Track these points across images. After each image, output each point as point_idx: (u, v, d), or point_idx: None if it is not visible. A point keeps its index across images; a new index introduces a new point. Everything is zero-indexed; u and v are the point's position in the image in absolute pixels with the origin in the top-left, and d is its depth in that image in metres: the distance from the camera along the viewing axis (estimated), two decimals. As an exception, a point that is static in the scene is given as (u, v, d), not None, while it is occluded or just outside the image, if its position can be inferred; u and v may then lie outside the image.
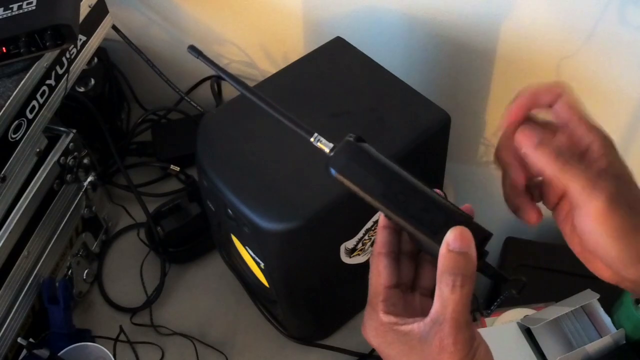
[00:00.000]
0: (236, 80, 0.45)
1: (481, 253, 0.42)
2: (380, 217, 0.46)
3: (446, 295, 0.40)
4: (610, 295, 0.90)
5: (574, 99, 0.47)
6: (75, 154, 0.87)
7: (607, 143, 0.44)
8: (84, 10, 0.86)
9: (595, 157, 0.43)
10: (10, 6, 0.74)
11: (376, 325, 0.44)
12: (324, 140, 0.45)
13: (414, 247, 0.47)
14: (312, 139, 0.45)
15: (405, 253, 0.47)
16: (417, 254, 0.48)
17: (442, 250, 0.41)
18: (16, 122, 0.74)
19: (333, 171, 0.44)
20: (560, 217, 0.48)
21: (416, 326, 0.42)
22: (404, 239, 0.47)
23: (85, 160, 0.89)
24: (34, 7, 0.74)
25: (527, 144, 0.43)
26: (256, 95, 0.45)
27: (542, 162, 0.42)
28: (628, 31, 0.82)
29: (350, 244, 0.74)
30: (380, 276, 0.44)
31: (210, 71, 1.10)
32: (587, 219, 0.42)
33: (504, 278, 0.46)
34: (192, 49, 0.46)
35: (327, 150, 0.44)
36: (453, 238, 0.40)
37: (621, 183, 0.42)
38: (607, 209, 0.40)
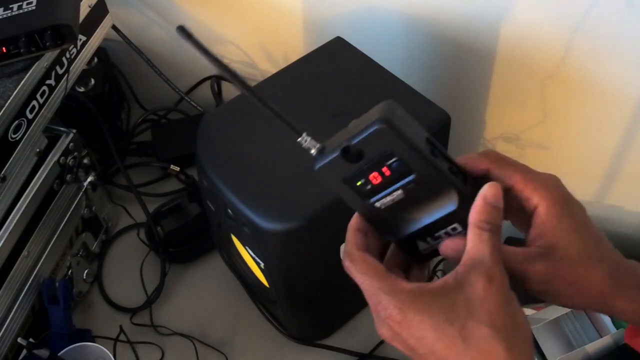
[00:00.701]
0: (227, 69, 0.44)
1: None
2: (353, 219, 0.46)
3: (486, 237, 0.41)
4: (610, 295, 0.90)
5: (505, 163, 0.46)
6: (75, 154, 0.87)
7: (553, 206, 0.43)
8: (84, 10, 0.86)
9: (539, 220, 0.44)
10: (10, 6, 0.74)
11: (402, 297, 0.41)
12: (310, 141, 0.45)
13: (380, 246, 0.48)
14: (299, 139, 0.45)
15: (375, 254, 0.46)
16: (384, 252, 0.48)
17: (480, 202, 0.42)
18: (16, 122, 0.74)
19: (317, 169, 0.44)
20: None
21: (449, 277, 0.41)
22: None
23: (85, 160, 0.89)
24: (34, 7, 0.74)
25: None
26: (248, 90, 0.45)
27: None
28: (628, 30, 0.82)
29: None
30: (375, 266, 0.43)
31: (210, 71, 1.11)
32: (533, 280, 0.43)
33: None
34: (181, 30, 0.41)
35: (313, 151, 0.44)
36: (491, 193, 0.42)
37: (560, 251, 0.43)
38: (545, 276, 0.43)
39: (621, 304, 0.44)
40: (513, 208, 0.45)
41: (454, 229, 0.45)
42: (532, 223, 0.44)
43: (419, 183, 0.43)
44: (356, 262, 0.44)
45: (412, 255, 0.48)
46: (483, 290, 0.40)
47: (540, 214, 0.43)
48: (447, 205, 0.44)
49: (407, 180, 0.43)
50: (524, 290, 0.44)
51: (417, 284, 0.42)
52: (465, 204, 0.44)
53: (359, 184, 0.44)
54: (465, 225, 0.44)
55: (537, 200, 0.44)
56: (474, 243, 0.42)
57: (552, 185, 0.45)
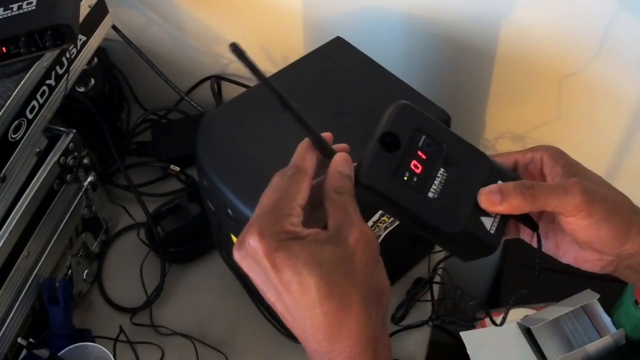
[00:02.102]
0: (276, 90, 0.46)
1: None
2: (307, 140, 0.47)
3: (345, 199, 0.43)
4: (610, 295, 0.90)
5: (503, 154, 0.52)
6: (75, 154, 0.87)
7: (554, 153, 0.49)
8: (84, 10, 0.86)
9: (550, 167, 0.49)
10: (10, 6, 0.74)
11: (278, 233, 0.41)
12: None
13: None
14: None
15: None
16: None
17: (332, 171, 0.44)
18: (16, 122, 0.74)
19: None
20: (544, 242, 0.53)
21: (322, 232, 0.42)
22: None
23: (85, 160, 0.89)
24: (34, 7, 0.74)
25: (492, 205, 0.46)
26: (295, 108, 0.47)
27: (515, 209, 0.46)
28: (628, 29, 0.82)
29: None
30: (299, 195, 0.43)
31: (210, 71, 1.11)
32: (573, 218, 0.46)
33: (530, 220, 0.51)
34: (234, 48, 0.42)
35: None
36: (340, 159, 0.45)
37: (583, 177, 0.48)
38: (586, 198, 0.45)
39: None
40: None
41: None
42: (546, 174, 0.49)
43: (453, 156, 0.47)
44: (291, 177, 0.44)
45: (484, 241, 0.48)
46: (353, 246, 0.41)
47: (547, 161, 0.49)
48: (483, 169, 0.47)
49: (442, 156, 0.46)
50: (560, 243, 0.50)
51: (299, 229, 0.42)
52: (497, 166, 0.48)
53: (405, 178, 0.45)
54: (505, 178, 0.47)
55: (539, 154, 0.49)
56: (335, 208, 0.43)
57: (544, 145, 0.50)
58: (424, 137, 0.47)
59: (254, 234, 0.41)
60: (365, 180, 0.45)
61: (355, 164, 0.46)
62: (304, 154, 0.46)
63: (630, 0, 0.79)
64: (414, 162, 0.46)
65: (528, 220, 0.50)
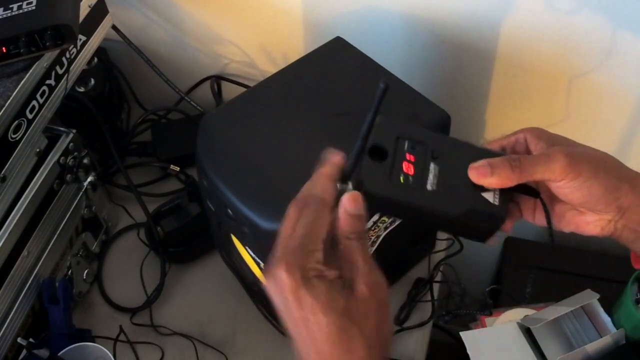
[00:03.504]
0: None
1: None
2: (326, 169, 0.49)
3: (355, 246, 0.45)
4: (610, 295, 0.91)
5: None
6: (75, 154, 0.87)
7: (535, 131, 0.53)
8: (84, 10, 0.86)
9: (535, 144, 0.52)
10: (10, 6, 0.74)
11: (304, 270, 0.44)
12: (347, 186, 0.49)
13: None
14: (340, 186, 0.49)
15: None
16: None
17: (342, 215, 0.46)
18: (16, 122, 0.74)
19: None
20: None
21: (339, 277, 0.45)
22: None
23: (85, 160, 0.89)
24: (33, 7, 0.74)
25: (483, 177, 0.50)
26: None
27: (506, 180, 0.49)
28: (627, 29, 0.82)
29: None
30: (323, 230, 0.45)
31: (210, 71, 1.11)
32: (562, 182, 0.49)
33: (529, 189, 0.53)
34: (385, 86, 0.48)
35: (350, 186, 0.48)
36: (349, 204, 0.46)
37: (567, 144, 0.51)
38: (570, 160, 0.48)
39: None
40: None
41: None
42: (532, 149, 0.53)
43: (439, 151, 0.50)
44: (316, 210, 0.46)
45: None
46: (362, 296, 0.44)
47: (530, 139, 0.53)
48: (470, 154, 0.51)
49: (429, 153, 0.50)
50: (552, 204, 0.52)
51: (322, 267, 0.44)
52: (482, 152, 0.51)
53: (402, 180, 0.49)
54: (492, 156, 0.50)
55: (522, 135, 0.54)
56: (346, 255, 0.45)
57: (525, 127, 0.54)
58: (406, 141, 0.50)
59: (283, 269, 0.44)
60: (368, 189, 0.47)
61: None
62: (326, 186, 0.48)
63: (633, 1, 0.79)
64: (405, 164, 0.49)
65: (527, 189, 0.53)
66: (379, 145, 0.49)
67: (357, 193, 0.47)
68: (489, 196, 0.50)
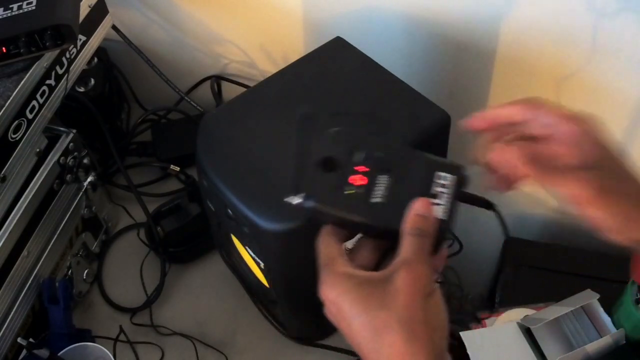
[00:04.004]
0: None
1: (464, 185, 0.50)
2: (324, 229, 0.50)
3: (413, 241, 0.46)
4: (610, 295, 0.90)
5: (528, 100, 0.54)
6: (75, 154, 0.87)
7: (577, 131, 0.51)
8: (84, 10, 0.86)
9: (567, 149, 0.50)
10: (10, 6, 0.74)
11: (333, 277, 0.46)
12: (295, 197, 0.49)
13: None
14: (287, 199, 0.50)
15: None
16: None
17: (409, 213, 0.47)
18: (16, 122, 0.74)
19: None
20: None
21: (378, 272, 0.46)
22: None
23: (85, 160, 0.89)
24: (34, 7, 0.74)
25: (515, 161, 0.50)
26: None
27: (530, 174, 0.50)
28: (627, 29, 0.82)
29: (350, 243, 0.74)
30: (329, 245, 0.48)
31: (210, 71, 1.11)
32: (578, 208, 0.48)
33: (482, 201, 0.53)
34: (493, 207, 0.52)
35: (298, 199, 0.49)
36: (418, 206, 0.47)
37: (599, 168, 0.48)
38: (593, 197, 0.47)
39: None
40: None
41: (439, 176, 0.50)
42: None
43: (392, 162, 0.49)
44: (321, 238, 0.50)
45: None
46: (402, 282, 0.44)
47: (566, 138, 0.51)
48: (421, 165, 0.50)
49: (382, 165, 0.49)
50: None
51: (350, 270, 0.46)
52: (432, 159, 0.51)
53: (350, 192, 0.48)
54: (442, 168, 0.50)
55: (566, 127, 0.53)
56: (404, 248, 0.46)
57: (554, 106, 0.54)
58: (361, 153, 0.50)
59: (321, 289, 0.47)
60: (314, 203, 0.48)
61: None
62: (321, 242, 0.50)
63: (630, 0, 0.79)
64: (355, 176, 0.49)
65: (481, 201, 0.53)
66: (331, 157, 0.49)
67: (428, 200, 0.47)
68: (437, 209, 0.49)
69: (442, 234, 0.48)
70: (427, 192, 0.49)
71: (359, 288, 0.45)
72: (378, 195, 0.48)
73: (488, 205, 0.53)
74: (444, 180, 0.50)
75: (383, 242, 0.50)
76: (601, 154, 0.49)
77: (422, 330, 0.43)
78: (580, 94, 0.93)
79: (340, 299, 0.45)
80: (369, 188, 0.49)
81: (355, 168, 0.49)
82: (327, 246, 0.48)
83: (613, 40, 0.83)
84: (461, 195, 0.50)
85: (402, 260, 0.45)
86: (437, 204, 0.48)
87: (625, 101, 0.91)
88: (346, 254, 0.48)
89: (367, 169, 0.49)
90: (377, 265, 0.50)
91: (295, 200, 0.49)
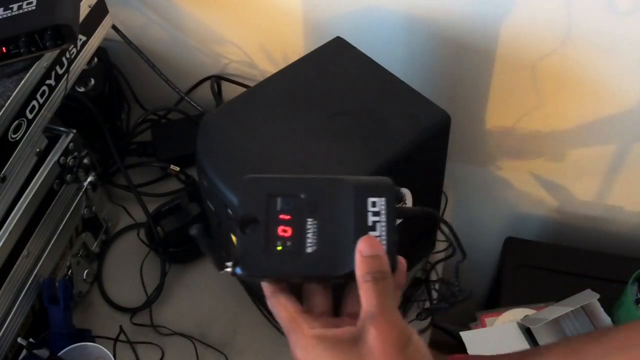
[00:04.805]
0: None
1: (399, 201, 0.46)
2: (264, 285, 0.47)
3: (371, 290, 0.43)
4: (610, 295, 0.91)
5: None
6: (75, 154, 0.87)
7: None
8: (84, 10, 0.86)
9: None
10: (10, 6, 0.74)
11: (303, 342, 0.44)
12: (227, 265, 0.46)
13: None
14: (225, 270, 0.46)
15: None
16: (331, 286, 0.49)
17: (357, 257, 0.43)
18: (16, 122, 0.74)
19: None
20: None
21: (347, 329, 0.43)
22: None
23: (85, 160, 0.89)
24: (34, 7, 0.74)
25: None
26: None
27: None
28: (628, 29, 0.82)
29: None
30: (287, 307, 0.46)
31: (210, 71, 1.11)
32: None
33: (427, 215, 0.49)
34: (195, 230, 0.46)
35: (229, 266, 0.46)
36: (363, 247, 0.43)
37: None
38: None
39: None
40: None
41: (372, 203, 0.45)
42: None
43: (314, 201, 0.45)
44: (271, 305, 0.47)
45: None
46: (373, 342, 0.41)
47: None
48: (348, 195, 0.45)
49: (305, 206, 0.45)
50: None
51: (318, 331, 0.43)
52: (359, 187, 0.45)
53: (279, 247, 0.44)
54: (372, 193, 0.45)
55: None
56: (363, 297, 0.43)
57: None
58: (279, 199, 0.45)
59: (293, 352, 0.45)
60: (243, 273, 0.44)
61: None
62: (274, 306, 0.47)
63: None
64: (281, 227, 0.44)
65: (423, 216, 0.49)
66: (249, 214, 0.44)
67: (371, 237, 0.44)
68: (382, 240, 0.45)
69: (391, 266, 0.44)
70: (365, 227, 0.44)
71: (331, 350, 0.43)
72: (310, 243, 0.44)
73: (433, 217, 0.49)
74: (378, 206, 0.45)
75: (330, 282, 0.47)
76: None
77: None
78: (580, 94, 0.93)
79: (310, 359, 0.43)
80: (299, 238, 0.44)
81: (281, 217, 0.44)
82: (283, 309, 0.46)
83: (615, 40, 0.83)
84: (400, 213, 0.45)
85: (367, 315, 0.42)
86: (380, 236, 0.44)
87: (627, 101, 0.91)
88: (307, 310, 0.46)
89: (290, 217, 0.44)
90: (335, 305, 0.48)
91: (227, 269, 0.45)
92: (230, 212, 0.72)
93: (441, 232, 0.50)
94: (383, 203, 0.45)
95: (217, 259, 0.45)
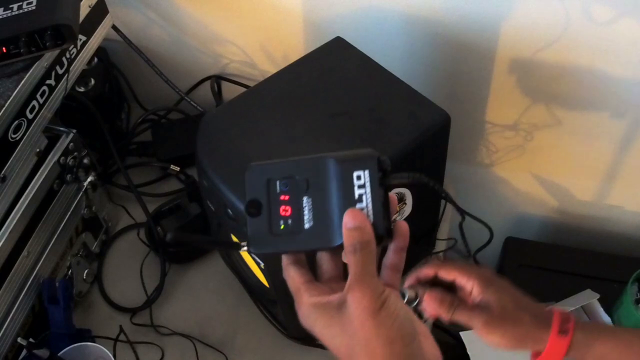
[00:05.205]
0: None
1: (384, 174, 0.48)
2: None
3: (355, 258, 0.46)
4: (610, 295, 0.91)
5: (447, 265, 0.63)
6: (75, 154, 0.87)
7: (482, 283, 0.60)
8: (84, 10, 0.86)
9: (475, 296, 0.60)
10: (10, 6, 0.74)
11: (303, 310, 0.48)
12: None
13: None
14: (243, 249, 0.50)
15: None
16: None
17: (343, 230, 0.47)
18: (16, 122, 0.74)
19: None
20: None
21: (337, 296, 0.47)
22: None
23: (85, 160, 0.89)
24: (34, 7, 0.74)
25: (430, 308, 0.59)
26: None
27: (440, 314, 0.60)
28: (628, 30, 0.82)
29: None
30: (293, 279, 0.49)
31: (210, 71, 1.11)
32: (479, 335, 0.59)
33: (415, 181, 0.51)
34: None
35: (244, 245, 0.49)
36: (347, 219, 0.47)
37: (492, 306, 0.59)
38: (485, 328, 0.59)
39: (545, 337, 0.59)
40: (461, 300, 0.60)
41: (357, 177, 0.48)
42: (471, 297, 0.60)
43: (307, 180, 0.48)
44: (284, 272, 0.50)
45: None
46: (351, 307, 0.45)
47: (474, 290, 0.60)
48: (335, 171, 0.48)
49: (300, 186, 0.48)
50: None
51: (314, 299, 0.47)
52: (343, 162, 0.48)
53: (282, 227, 0.48)
54: (356, 165, 0.48)
55: (471, 283, 0.60)
56: (350, 269, 0.46)
57: (481, 270, 0.61)
58: (277, 182, 0.49)
59: (299, 318, 0.49)
60: (254, 251, 0.48)
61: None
62: (286, 276, 0.50)
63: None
64: (282, 207, 0.48)
65: (407, 181, 0.51)
66: (254, 199, 0.49)
67: (354, 210, 0.47)
68: (368, 212, 0.48)
69: (381, 234, 0.47)
70: (351, 199, 0.47)
71: (322, 316, 0.47)
72: (307, 219, 0.48)
73: (421, 182, 0.51)
74: (362, 179, 0.48)
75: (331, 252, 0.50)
76: (496, 298, 0.60)
77: (379, 345, 0.44)
78: (580, 94, 0.93)
79: (312, 328, 0.48)
80: (297, 216, 0.48)
81: (281, 198, 0.49)
82: (291, 279, 0.50)
83: (614, 40, 0.83)
84: (386, 182, 0.48)
85: (348, 284, 0.46)
86: (365, 208, 0.47)
87: (627, 101, 0.91)
88: (312, 279, 0.50)
89: (289, 197, 0.48)
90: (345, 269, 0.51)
91: (244, 248, 0.49)
92: (229, 212, 0.72)
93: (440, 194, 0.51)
94: (367, 175, 0.48)
95: (229, 244, 0.50)
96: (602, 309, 0.88)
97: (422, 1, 0.88)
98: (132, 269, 0.97)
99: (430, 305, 0.59)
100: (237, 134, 0.74)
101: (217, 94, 1.11)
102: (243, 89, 0.98)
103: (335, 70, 0.80)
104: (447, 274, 0.62)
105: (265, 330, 0.89)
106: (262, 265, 0.76)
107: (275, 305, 0.85)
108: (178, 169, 1.05)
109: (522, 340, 0.59)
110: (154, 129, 1.11)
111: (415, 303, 0.59)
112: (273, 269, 0.75)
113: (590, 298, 0.87)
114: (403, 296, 0.58)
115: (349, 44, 0.82)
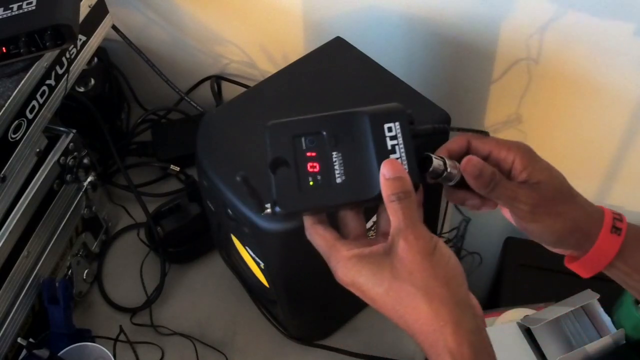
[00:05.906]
0: None
1: (411, 124, 0.50)
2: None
3: (396, 207, 0.47)
4: (610, 295, 0.91)
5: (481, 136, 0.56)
6: (75, 154, 0.87)
7: (525, 156, 0.53)
8: (84, 10, 0.86)
9: (518, 172, 0.53)
10: (10, 6, 0.74)
11: (343, 264, 0.48)
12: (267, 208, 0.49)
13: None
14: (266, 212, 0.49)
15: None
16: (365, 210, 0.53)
17: (382, 180, 0.48)
18: (16, 122, 0.74)
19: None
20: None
21: (380, 245, 0.48)
22: None
23: (85, 160, 0.89)
24: (34, 7, 0.73)
25: (470, 176, 0.52)
26: None
27: (479, 189, 0.52)
28: (629, 30, 0.82)
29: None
30: (324, 236, 0.49)
31: (210, 71, 1.11)
32: (521, 222, 0.53)
33: (438, 130, 0.54)
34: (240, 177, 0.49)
35: (269, 207, 0.49)
36: (386, 170, 0.48)
37: (541, 186, 0.52)
38: (531, 213, 0.52)
39: (594, 232, 0.52)
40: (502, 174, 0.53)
41: (388, 129, 0.49)
42: (513, 175, 0.53)
43: (335, 135, 0.49)
44: (310, 237, 0.51)
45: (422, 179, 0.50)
46: (402, 252, 0.46)
47: (517, 164, 0.52)
48: (365, 125, 0.49)
49: (327, 142, 0.49)
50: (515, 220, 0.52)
51: (355, 251, 0.48)
52: (374, 116, 0.49)
53: (311, 183, 0.48)
54: (388, 118, 0.50)
55: (512, 156, 0.53)
56: (391, 215, 0.47)
57: (520, 144, 0.54)
58: (302, 138, 0.49)
59: (336, 277, 0.49)
60: (283, 210, 0.48)
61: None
62: (314, 236, 0.51)
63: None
64: (309, 164, 0.48)
65: (434, 132, 0.54)
66: (279, 156, 0.49)
67: (392, 160, 0.47)
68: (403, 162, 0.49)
69: (416, 182, 0.48)
70: (385, 151, 0.48)
71: (368, 265, 0.47)
72: (339, 174, 0.48)
73: (444, 131, 0.54)
74: (394, 130, 0.49)
75: (361, 207, 0.51)
76: (546, 176, 0.53)
77: (437, 286, 0.45)
78: (580, 94, 0.93)
79: (356, 281, 0.47)
80: (327, 171, 0.48)
81: (307, 155, 0.49)
82: (321, 237, 0.49)
83: (614, 40, 0.83)
84: (415, 133, 0.50)
85: (395, 230, 0.47)
86: (400, 158, 0.48)
87: (627, 100, 0.91)
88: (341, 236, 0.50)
89: (316, 153, 0.49)
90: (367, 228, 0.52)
91: (267, 210, 0.48)
92: (229, 212, 0.72)
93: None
94: (398, 127, 0.49)
95: (258, 203, 0.48)
96: (602, 309, 0.88)
97: (422, 1, 0.88)
98: (132, 269, 0.97)
99: (469, 174, 0.51)
100: (237, 134, 0.74)
101: (217, 94, 1.11)
102: (243, 89, 0.98)
103: (335, 71, 0.80)
104: (482, 145, 0.54)
105: (265, 330, 0.89)
106: (262, 265, 0.76)
107: (275, 305, 0.85)
108: (178, 169, 1.05)
109: (571, 233, 0.53)
110: (154, 129, 1.11)
111: (444, 175, 0.52)
112: (273, 269, 0.75)
113: (590, 298, 0.87)
114: (430, 163, 0.51)
115: (349, 44, 0.82)
